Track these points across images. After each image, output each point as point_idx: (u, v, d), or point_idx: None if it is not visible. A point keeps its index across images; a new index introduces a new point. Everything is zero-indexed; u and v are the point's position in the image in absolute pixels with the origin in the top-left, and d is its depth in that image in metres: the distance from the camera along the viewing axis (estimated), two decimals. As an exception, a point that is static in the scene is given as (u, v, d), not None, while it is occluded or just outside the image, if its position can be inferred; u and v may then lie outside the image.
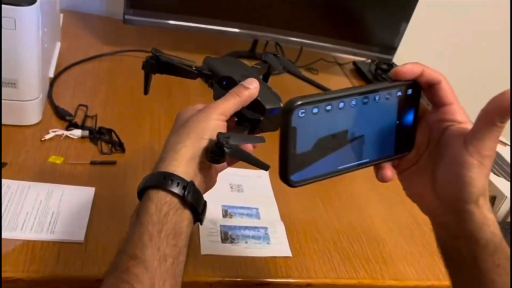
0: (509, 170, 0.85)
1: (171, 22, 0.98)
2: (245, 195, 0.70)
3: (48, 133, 0.70)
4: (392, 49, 1.15)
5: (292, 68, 0.58)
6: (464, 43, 1.52)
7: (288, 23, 1.07)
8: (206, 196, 0.66)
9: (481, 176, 0.36)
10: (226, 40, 1.15)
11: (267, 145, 0.44)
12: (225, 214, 0.65)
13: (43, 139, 0.69)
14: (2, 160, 0.63)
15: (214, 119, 0.41)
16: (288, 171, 0.34)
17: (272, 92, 0.46)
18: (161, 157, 0.41)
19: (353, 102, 0.36)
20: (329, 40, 1.11)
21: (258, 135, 0.46)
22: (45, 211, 0.57)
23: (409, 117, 0.40)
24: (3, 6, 0.58)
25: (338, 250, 0.66)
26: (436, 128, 0.39)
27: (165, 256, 0.36)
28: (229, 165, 0.46)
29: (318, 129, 0.35)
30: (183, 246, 0.39)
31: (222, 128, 0.42)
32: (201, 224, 0.42)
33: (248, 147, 0.44)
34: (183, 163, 0.40)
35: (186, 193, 0.39)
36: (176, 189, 0.38)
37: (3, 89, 0.65)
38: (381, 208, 0.77)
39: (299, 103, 0.33)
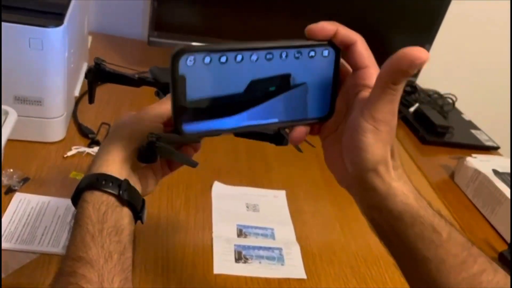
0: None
1: (195, 43, 1.00)
2: (260, 215, 0.69)
3: (70, 149, 0.72)
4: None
5: None
6: (488, 63, 1.49)
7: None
8: (222, 216, 0.67)
9: (376, 142, 0.34)
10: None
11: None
12: (240, 233, 0.65)
13: (65, 156, 0.71)
14: (25, 175, 0.65)
15: (149, 120, 0.42)
16: (177, 121, 0.33)
17: None
18: (93, 160, 0.41)
19: (254, 57, 0.33)
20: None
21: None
22: (63, 225, 0.59)
23: (326, 81, 0.37)
24: (32, 27, 0.61)
25: (355, 275, 0.64)
26: (352, 93, 0.37)
27: (110, 253, 0.36)
28: (172, 170, 0.46)
29: (211, 81, 0.33)
30: (128, 242, 0.38)
31: (158, 130, 0.41)
32: (142, 223, 0.41)
33: (188, 151, 0.44)
34: (116, 164, 0.39)
35: (121, 191, 0.38)
36: (111, 188, 0.38)
37: (29, 106, 0.68)
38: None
39: (185, 49, 0.31)
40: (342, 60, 0.37)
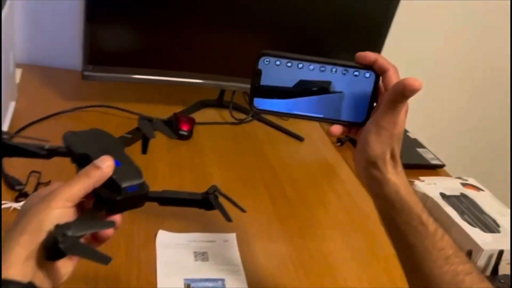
0: (484, 220, 0.83)
1: (134, 76, 0.95)
2: (210, 264, 0.65)
3: (-6, 205, 0.65)
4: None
5: (168, 132, 0.56)
6: (434, 71, 1.53)
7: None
8: (168, 270, 0.62)
9: (376, 142, 0.45)
10: (194, 89, 1.13)
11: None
12: (188, 288, 0.61)
13: (-12, 213, 0.64)
14: None
15: (57, 207, 0.37)
16: (252, 99, 0.48)
17: (133, 167, 0.43)
18: None
19: (311, 67, 0.47)
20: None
21: (112, 218, 0.42)
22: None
23: (365, 95, 0.48)
24: None
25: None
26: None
27: None
28: (100, 242, 0.42)
29: (279, 77, 0.47)
30: None
31: (68, 216, 0.38)
32: None
33: (106, 232, 0.41)
34: (18, 265, 0.34)
35: None
36: None
37: None
38: (354, 266, 0.74)
39: (265, 52, 0.47)
40: (381, 84, 0.48)
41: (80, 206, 0.40)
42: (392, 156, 0.46)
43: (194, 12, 0.93)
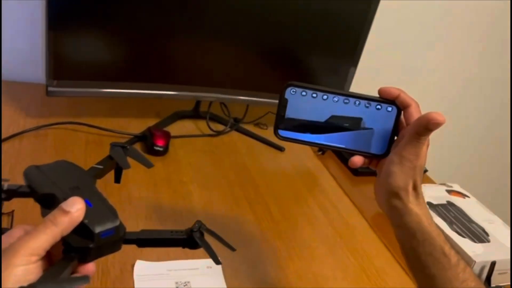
0: (473, 229, 0.81)
1: (103, 90, 0.89)
2: (193, 295, 0.61)
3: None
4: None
5: (143, 161, 0.50)
6: (412, 81, 1.53)
7: (232, 82, 1.01)
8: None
9: (400, 173, 0.46)
10: (168, 100, 1.08)
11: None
12: (171, 325, 0.56)
13: None
14: None
15: (20, 264, 0.32)
16: (277, 127, 0.50)
17: (107, 207, 0.38)
18: None
19: (335, 99, 0.49)
20: (276, 96, 1.05)
21: (89, 268, 0.36)
22: None
23: (387, 129, 0.50)
24: None
25: None
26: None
27: None
28: None
29: (304, 107, 0.49)
30: None
31: (34, 272, 0.33)
32: None
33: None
34: None
35: None
36: None
37: None
38: (345, 285, 0.70)
39: (292, 83, 0.49)
40: (402, 117, 0.50)
41: (48, 255, 0.34)
42: (414, 187, 0.47)
43: (167, 22, 0.88)
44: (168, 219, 0.74)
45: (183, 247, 0.43)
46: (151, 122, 1.02)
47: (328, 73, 1.09)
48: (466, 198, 0.92)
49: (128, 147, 0.49)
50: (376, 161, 0.52)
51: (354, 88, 1.10)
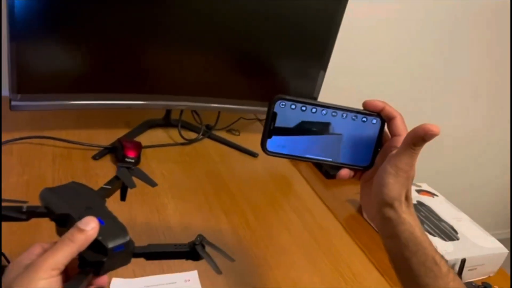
0: (442, 227, 0.84)
1: (70, 102, 0.86)
2: (173, 311, 0.60)
3: None
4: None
5: (148, 180, 0.56)
6: (381, 82, 1.56)
7: (203, 89, 1.01)
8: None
9: (395, 183, 0.46)
10: (137, 109, 1.05)
11: None
12: None
13: None
14: None
15: (43, 278, 0.35)
16: (264, 141, 0.49)
17: (117, 224, 0.42)
18: None
19: (324, 112, 0.49)
20: (247, 102, 1.06)
21: (104, 280, 0.41)
22: None
23: (371, 140, 0.50)
24: None
25: None
26: (387, 152, 0.49)
27: None
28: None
29: (293, 120, 0.48)
30: None
31: (55, 285, 0.36)
32: None
33: None
34: None
35: None
36: None
37: None
38: (324, 291, 0.71)
39: (281, 97, 0.48)
40: (385, 129, 0.50)
41: (65, 270, 0.38)
42: (406, 197, 0.47)
43: (134, 31, 0.86)
44: (143, 234, 0.73)
45: (186, 259, 0.47)
46: (121, 132, 1.00)
47: (298, 77, 1.10)
48: (435, 197, 0.95)
49: (133, 168, 0.54)
50: (360, 173, 0.52)
51: (322, 92, 1.12)
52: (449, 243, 0.78)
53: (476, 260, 0.76)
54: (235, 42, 0.97)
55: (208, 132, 1.09)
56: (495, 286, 0.77)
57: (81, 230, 0.38)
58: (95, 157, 0.89)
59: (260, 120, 1.27)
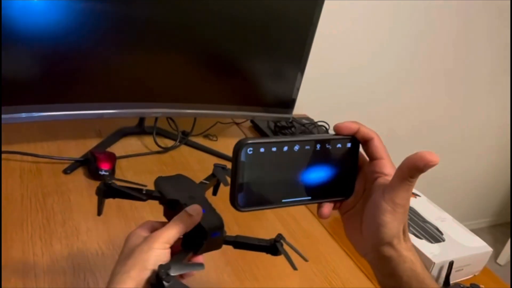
0: (427, 229, 0.83)
1: (35, 114, 0.81)
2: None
3: None
4: (289, 107, 1.10)
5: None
6: (359, 86, 1.57)
7: (178, 95, 0.97)
8: None
9: (393, 221, 0.42)
10: (109, 118, 1.01)
11: None
12: None
13: None
14: None
15: (158, 248, 0.43)
16: (235, 197, 0.41)
17: (215, 214, 0.49)
18: (110, 280, 0.41)
19: (296, 148, 0.42)
20: (224, 107, 1.03)
21: (199, 259, 0.48)
22: None
23: (348, 167, 0.46)
24: None
25: None
26: (369, 178, 0.45)
27: None
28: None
29: (264, 166, 0.41)
30: None
31: (166, 256, 0.43)
32: None
33: (192, 272, 0.47)
34: None
35: None
36: None
37: None
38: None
39: (248, 142, 0.40)
40: (360, 151, 0.45)
41: (171, 247, 0.44)
42: (404, 232, 0.44)
43: (102, 37, 0.82)
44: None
45: (267, 252, 0.52)
46: (92, 142, 0.95)
47: (275, 80, 1.08)
48: (418, 197, 0.95)
49: (227, 168, 0.60)
50: (338, 204, 0.48)
51: (300, 94, 1.10)
52: (435, 245, 0.78)
53: (462, 260, 0.76)
54: (209, 45, 0.94)
55: (184, 138, 1.05)
56: (481, 286, 0.77)
57: (190, 215, 0.45)
58: (66, 171, 0.84)
59: (237, 124, 1.24)
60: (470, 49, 1.73)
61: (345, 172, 0.45)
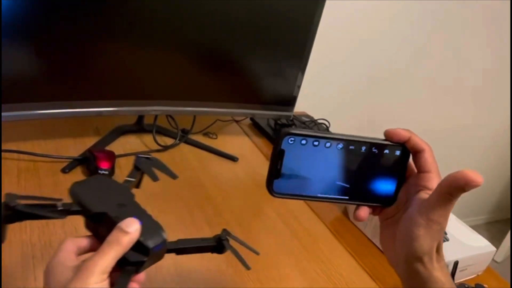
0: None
1: (33, 112, 0.79)
2: None
3: None
4: (290, 105, 1.09)
5: (169, 172, 0.57)
6: (361, 86, 1.56)
7: (177, 93, 0.95)
8: None
9: (426, 236, 0.40)
10: (107, 116, 0.99)
11: None
12: None
13: None
14: None
15: (95, 282, 0.35)
16: (271, 183, 0.42)
17: (153, 223, 0.42)
18: None
19: (339, 146, 0.42)
20: (224, 104, 1.01)
21: (141, 277, 0.42)
22: None
23: (394, 175, 0.45)
24: None
25: None
26: (413, 190, 0.44)
27: None
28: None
29: (304, 157, 0.42)
30: None
31: (106, 287, 0.37)
32: None
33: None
34: None
35: None
36: None
37: None
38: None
39: (290, 132, 0.41)
40: (410, 161, 0.44)
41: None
42: (438, 249, 0.42)
43: (100, 34, 0.80)
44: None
45: (212, 252, 0.48)
46: (91, 140, 0.94)
47: (276, 78, 1.06)
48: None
49: (151, 157, 0.53)
50: (379, 209, 0.47)
51: (301, 92, 1.08)
52: (440, 244, 0.77)
53: (467, 260, 0.76)
54: (209, 43, 0.92)
55: (184, 136, 1.04)
56: (485, 285, 0.77)
57: (126, 233, 0.38)
58: (64, 170, 0.82)
59: (236, 121, 1.23)
60: (470, 49, 1.73)
61: (389, 180, 0.45)
